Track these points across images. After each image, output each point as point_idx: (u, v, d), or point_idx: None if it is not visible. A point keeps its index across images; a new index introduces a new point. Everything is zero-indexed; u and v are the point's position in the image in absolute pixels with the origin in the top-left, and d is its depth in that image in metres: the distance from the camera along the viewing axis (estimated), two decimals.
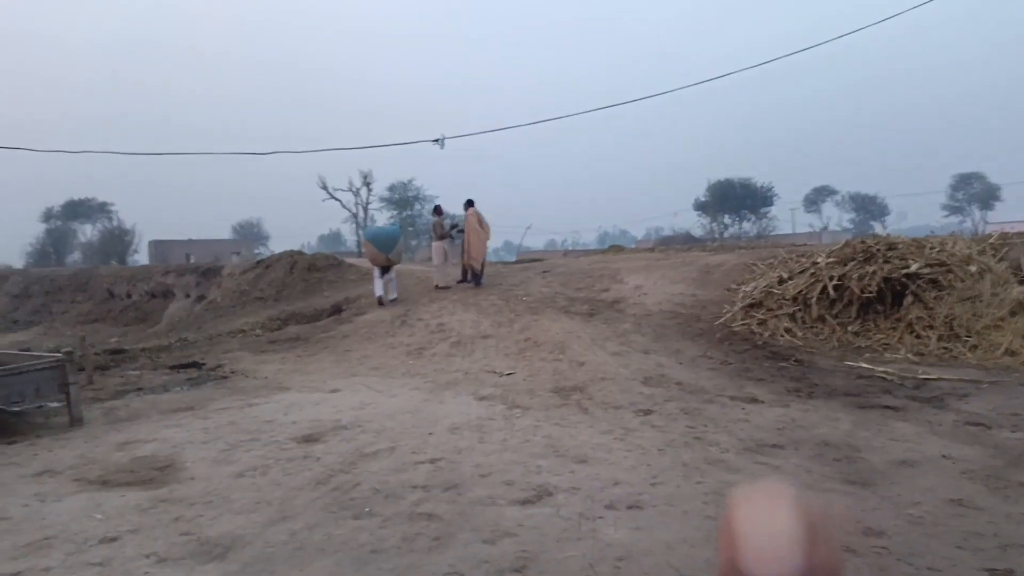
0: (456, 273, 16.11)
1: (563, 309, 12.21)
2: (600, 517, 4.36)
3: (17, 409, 7.92)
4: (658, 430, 6.33)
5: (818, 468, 5.24)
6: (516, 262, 27.68)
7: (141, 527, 4.43)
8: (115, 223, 63.81)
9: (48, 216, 67.81)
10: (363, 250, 15.68)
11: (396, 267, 15.22)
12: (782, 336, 10.04)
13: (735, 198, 65.75)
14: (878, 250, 10.79)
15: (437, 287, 15.31)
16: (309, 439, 6.40)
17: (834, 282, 10.51)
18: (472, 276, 15.52)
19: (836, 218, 79.29)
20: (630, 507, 4.53)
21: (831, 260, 11.13)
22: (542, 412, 7.15)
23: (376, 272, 14.62)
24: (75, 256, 65.10)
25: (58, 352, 7.70)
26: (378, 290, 14.39)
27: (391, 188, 66.83)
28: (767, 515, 0.29)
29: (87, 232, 68.26)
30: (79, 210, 67.61)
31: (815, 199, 79.37)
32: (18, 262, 58.88)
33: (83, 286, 28.36)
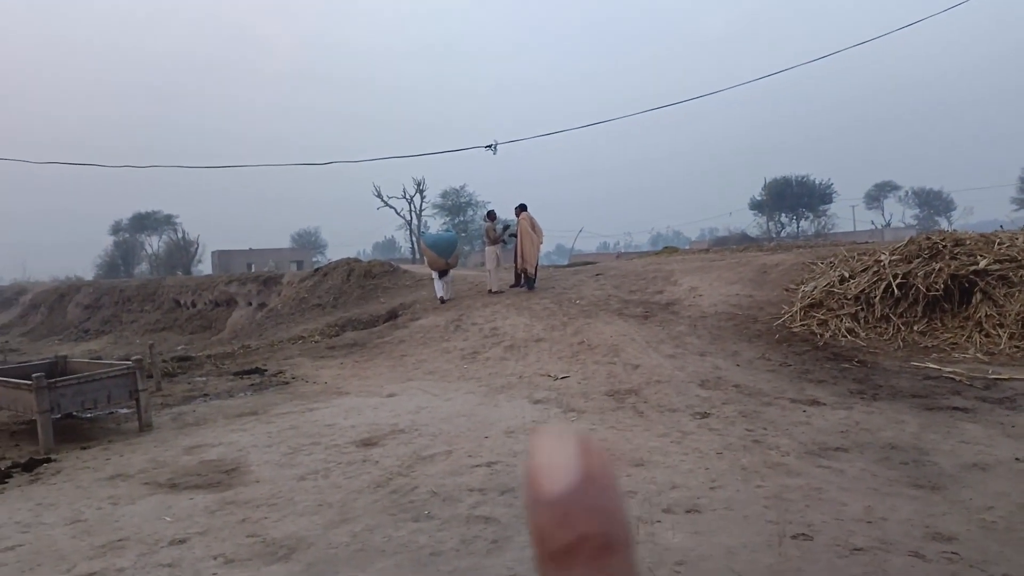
0: (509, 277, 16.17)
1: (617, 312, 12.15)
2: (658, 521, 4.33)
3: (90, 415, 8.28)
4: (716, 433, 6.25)
5: (884, 472, 5.10)
6: (568, 265, 27.61)
7: (209, 529, 4.59)
8: (180, 234, 65.79)
9: (117, 229, 70.42)
10: (421, 255, 16.33)
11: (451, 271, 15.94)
12: (844, 337, 9.79)
13: (792, 196, 64.27)
14: (944, 246, 10.43)
15: (490, 291, 15.39)
16: (368, 443, 6.51)
17: (898, 280, 10.19)
18: (525, 280, 15.55)
19: (899, 214, 76.78)
20: (688, 511, 4.49)
21: (895, 258, 10.81)
22: (597, 415, 7.13)
23: (435, 275, 15.54)
24: (142, 267, 67.41)
25: (128, 360, 8.00)
26: (439, 291, 15.40)
27: (443, 194, 67.51)
28: (549, 442, 0.34)
29: (154, 244, 70.68)
30: (146, 223, 70.01)
31: (877, 195, 76.91)
32: (89, 274, 61.34)
33: (151, 296, 29.35)
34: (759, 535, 4.06)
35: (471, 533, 4.29)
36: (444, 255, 15.37)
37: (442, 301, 15.09)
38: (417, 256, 60.07)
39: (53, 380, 7.14)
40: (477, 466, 5.63)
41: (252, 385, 9.94)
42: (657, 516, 4.41)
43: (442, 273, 15.41)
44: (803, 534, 4.03)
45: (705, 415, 6.86)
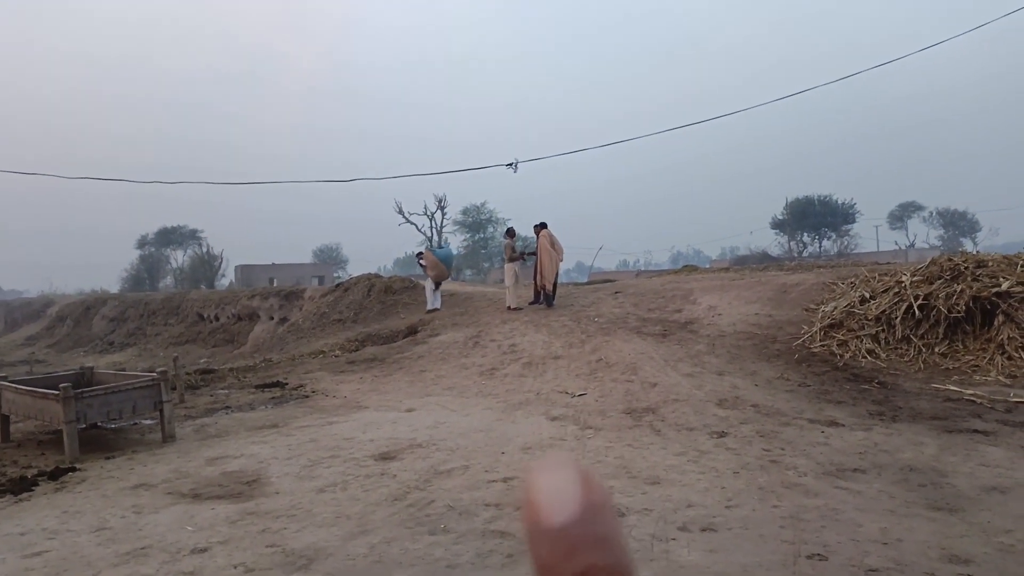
0: (528, 294, 16.25)
1: (635, 330, 12.16)
2: (673, 539, 4.35)
3: (115, 426, 8.43)
4: (733, 452, 6.25)
5: (902, 493, 5.08)
6: (588, 283, 27.63)
7: (230, 538, 4.67)
8: (204, 249, 66.59)
9: (143, 243, 71.42)
10: (424, 264, 17.78)
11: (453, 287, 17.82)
12: (864, 357, 9.74)
13: (815, 215, 63.78)
14: (966, 268, 10.36)
15: (509, 308, 15.48)
16: (386, 456, 6.58)
17: (920, 301, 10.14)
18: (544, 297, 15.63)
19: (923, 235, 75.86)
20: (704, 529, 4.50)
21: (916, 279, 10.75)
22: (614, 433, 7.15)
23: (431, 286, 17.43)
24: (167, 281, 68.16)
25: (152, 372, 8.14)
26: (435, 302, 17.26)
27: (464, 211, 67.82)
28: (548, 472, 0.39)
29: (178, 258, 71.52)
30: (171, 237, 70.95)
31: (900, 215, 76.10)
32: (115, 287, 62.28)
33: (175, 310, 29.76)
34: (774, 554, 4.07)
35: (487, 547, 4.34)
36: (448, 267, 18.05)
37: (434, 311, 16.74)
38: (424, 264, 60.35)
39: (79, 391, 7.29)
40: (494, 481, 5.67)
41: (273, 398, 10.05)
42: (672, 534, 4.43)
43: (437, 285, 17.51)
44: (818, 554, 4.03)
45: (722, 434, 6.86)
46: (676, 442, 6.70)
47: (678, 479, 5.56)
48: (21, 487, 6.01)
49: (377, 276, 22.43)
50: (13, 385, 7.96)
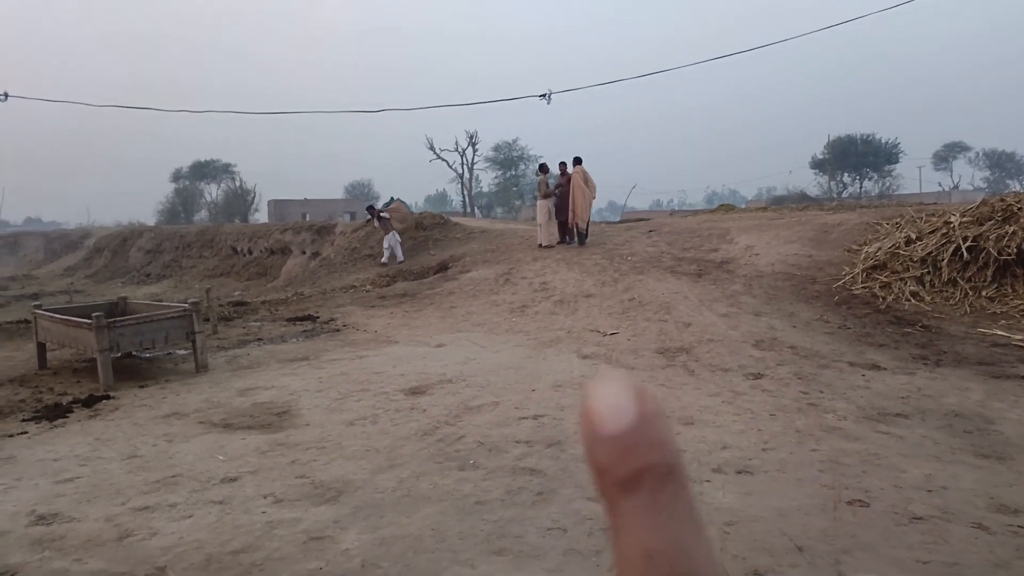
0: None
1: (669, 269, 11.93)
2: (707, 481, 4.25)
3: (148, 355, 8.51)
4: (769, 394, 6.09)
5: (946, 439, 4.90)
6: (620, 222, 27.25)
7: (260, 469, 4.67)
8: (238, 183, 66.92)
9: (177, 176, 71.98)
10: (387, 216, 18.57)
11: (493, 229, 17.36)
12: (907, 300, 9.43)
13: (856, 155, 61.87)
14: (1020, 208, 9.90)
15: (540, 246, 15.29)
16: (416, 391, 6.55)
17: (968, 243, 9.74)
18: (576, 235, 15.40)
19: (968, 177, 73.48)
20: (739, 472, 4.39)
21: (965, 219, 10.31)
22: (647, 372, 7.03)
23: (396, 238, 17.75)
24: (202, 214, 68.81)
25: (186, 303, 8.16)
26: (400, 255, 17.54)
27: (496, 148, 67.00)
28: (605, 384, 0.40)
29: (212, 192, 72.07)
30: (205, 171, 71.40)
31: (946, 156, 73.53)
32: (151, 220, 63.03)
33: (209, 243, 30.02)
34: (812, 499, 3.95)
35: (516, 484, 4.27)
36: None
37: (399, 262, 17.24)
38: (468, 209, 60.09)
39: (113, 320, 7.33)
40: (524, 418, 5.60)
41: (304, 331, 10.08)
42: (707, 476, 4.32)
43: (401, 233, 18.19)
44: (859, 500, 3.90)
45: (758, 376, 6.70)
46: (710, 383, 6.56)
47: (712, 420, 5.43)
48: (56, 413, 6.10)
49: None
50: (48, 314, 8.05)
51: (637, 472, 0.37)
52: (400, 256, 17.45)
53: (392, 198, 28.62)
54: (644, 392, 0.40)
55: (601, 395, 0.39)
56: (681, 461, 0.39)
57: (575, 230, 15.37)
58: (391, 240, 17.62)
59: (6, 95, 19.50)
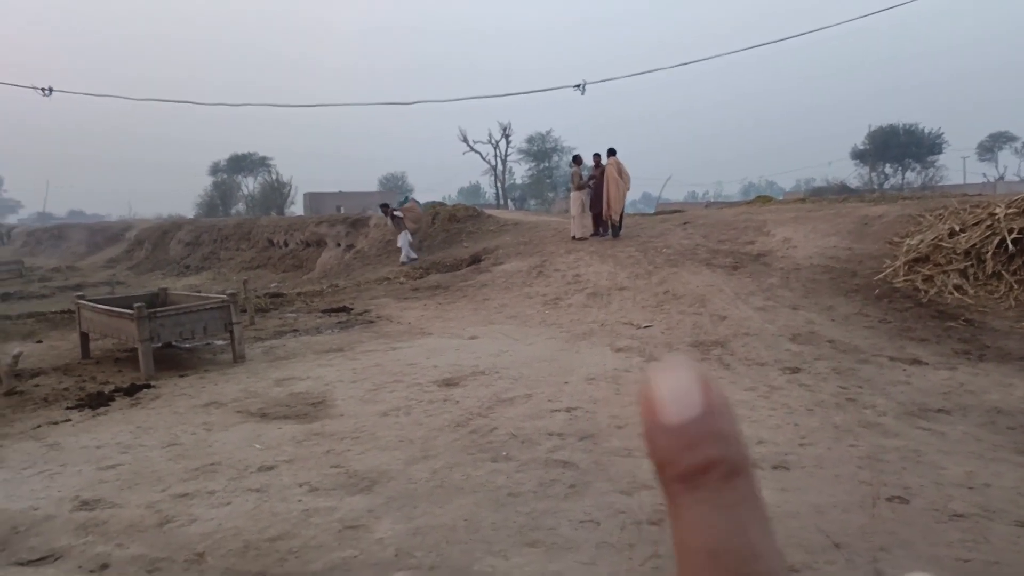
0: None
1: (704, 261, 11.81)
2: None
3: (188, 346, 8.67)
4: (806, 389, 6.01)
5: (988, 436, 4.79)
6: (655, 213, 27.01)
7: (296, 458, 4.74)
8: (274, 176, 67.67)
9: (215, 170, 73.07)
10: (401, 216, 18.17)
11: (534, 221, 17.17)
12: (950, 294, 9.21)
13: (898, 146, 60.40)
14: None
15: (574, 238, 15.25)
16: (449, 383, 6.58)
17: (1013, 235, 9.48)
18: (610, 227, 15.31)
19: (1014, 167, 71.43)
20: (775, 467, 4.33)
21: (1011, 211, 10.02)
22: None
23: (408, 238, 17.52)
24: (239, 207, 69.78)
25: (223, 295, 8.30)
26: (411, 254, 17.37)
27: (529, 140, 66.84)
28: (668, 371, 0.38)
29: (249, 185, 73.00)
30: (242, 164, 72.34)
31: (991, 146, 71.48)
32: (190, 212, 64.16)
33: (246, 235, 30.44)
34: (851, 495, 3.88)
35: (549, 476, 4.27)
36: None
37: (413, 261, 17.07)
38: (501, 202, 60.07)
39: (153, 310, 7.48)
40: (557, 411, 5.60)
41: (339, 323, 10.19)
42: None
43: (413, 233, 17.92)
44: (899, 497, 3.83)
45: (796, 370, 6.61)
46: (746, 377, 6.49)
47: (748, 415, 5.37)
48: (99, 402, 6.25)
49: (441, 204, 22.47)
50: (91, 304, 8.24)
51: (702, 466, 0.36)
52: (413, 255, 17.40)
53: (407, 197, 28.70)
54: (710, 381, 0.38)
55: (664, 383, 0.37)
56: (749, 456, 0.37)
57: (608, 222, 15.30)
58: (402, 240, 17.54)
59: (50, 89, 19.96)
